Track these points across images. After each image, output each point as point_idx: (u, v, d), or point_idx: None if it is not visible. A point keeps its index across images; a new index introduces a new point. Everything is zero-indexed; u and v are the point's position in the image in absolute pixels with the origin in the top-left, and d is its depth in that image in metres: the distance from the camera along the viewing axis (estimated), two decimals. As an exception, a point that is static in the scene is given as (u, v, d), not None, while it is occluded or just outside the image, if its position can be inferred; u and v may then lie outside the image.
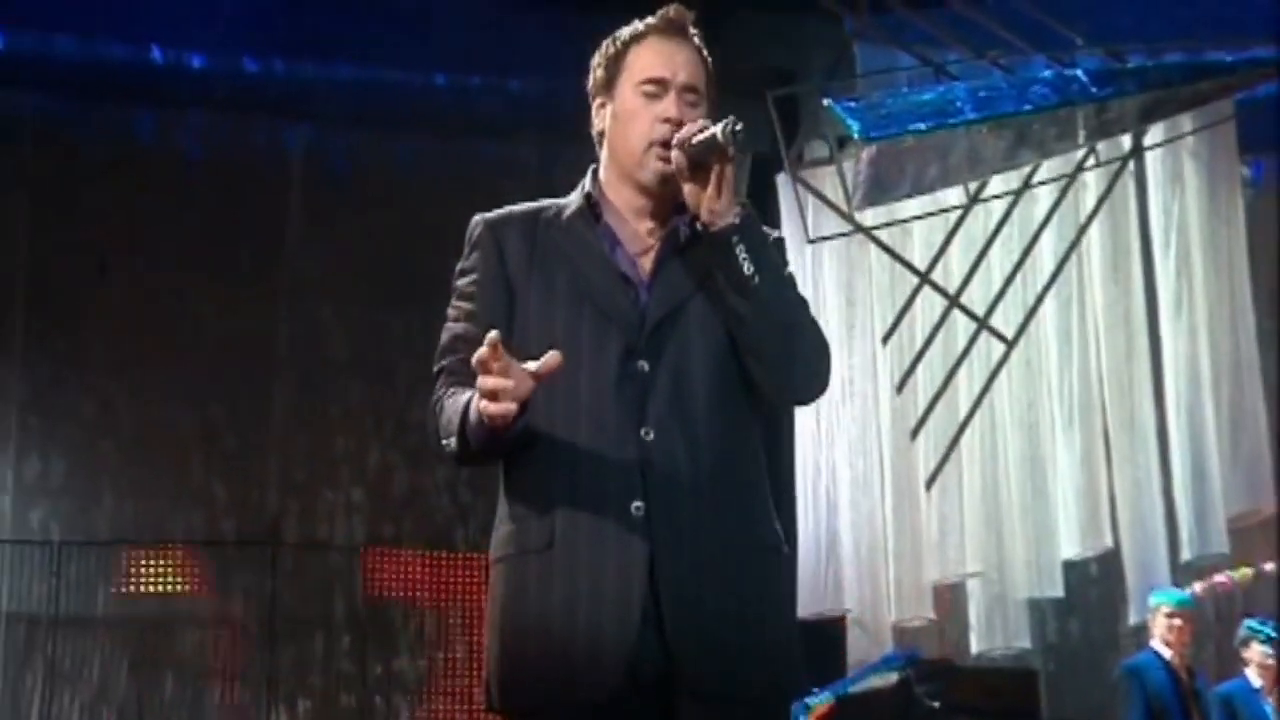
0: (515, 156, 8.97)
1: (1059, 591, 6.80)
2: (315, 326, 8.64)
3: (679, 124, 2.38)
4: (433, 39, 8.62)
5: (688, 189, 2.36)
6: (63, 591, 7.98)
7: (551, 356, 2.20)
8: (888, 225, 6.52)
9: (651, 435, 2.30)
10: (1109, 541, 6.68)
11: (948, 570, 6.62)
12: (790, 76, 7.47)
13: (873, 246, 6.51)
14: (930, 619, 6.76)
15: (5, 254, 8.27)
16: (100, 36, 8.65)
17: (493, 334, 2.18)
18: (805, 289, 7.19)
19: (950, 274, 6.59)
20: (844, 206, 6.33)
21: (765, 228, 2.47)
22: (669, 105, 2.41)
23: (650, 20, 2.48)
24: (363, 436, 8.61)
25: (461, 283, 2.45)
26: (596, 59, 2.50)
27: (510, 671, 2.33)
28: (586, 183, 2.48)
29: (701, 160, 2.33)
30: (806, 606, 6.37)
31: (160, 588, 8.17)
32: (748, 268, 2.31)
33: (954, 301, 6.45)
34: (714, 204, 2.33)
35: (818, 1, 6.82)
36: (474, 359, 2.18)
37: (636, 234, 2.44)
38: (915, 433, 6.50)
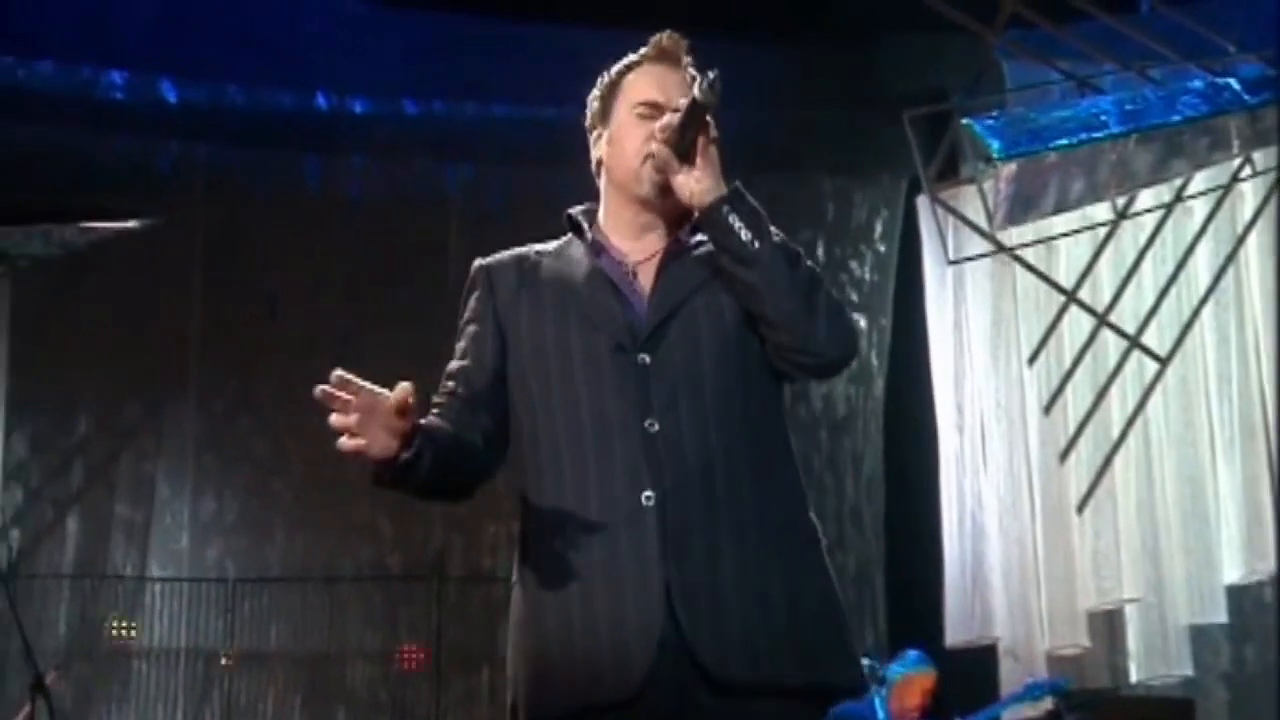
0: (672, 187, 9.28)
1: (1222, 617, 6.78)
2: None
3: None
4: (586, 75, 8.95)
5: (677, 181, 2.42)
6: (238, 627, 8.50)
7: (401, 387, 2.24)
8: (1032, 244, 6.63)
9: (656, 426, 2.34)
10: (1274, 565, 6.66)
11: (1103, 596, 6.65)
12: (934, 96, 7.64)
13: (1017, 266, 6.62)
14: (1086, 647, 6.79)
15: (181, 298, 8.81)
16: (267, 86, 9.19)
17: (334, 374, 2.24)
18: (947, 311, 7.31)
19: (1099, 292, 6.66)
20: (986, 226, 6.46)
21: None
22: (662, 123, 2.48)
23: (644, 50, 2.61)
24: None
25: (460, 322, 2.60)
26: (593, 93, 2.65)
27: (535, 685, 2.36)
28: (574, 210, 2.61)
29: (684, 140, 2.39)
30: (955, 634, 6.48)
31: (333, 623, 8.61)
32: (745, 234, 2.37)
33: (1103, 320, 6.52)
34: (701, 182, 2.40)
35: (958, 22, 6.95)
36: (315, 393, 2.24)
37: (633, 249, 2.51)
38: (1065, 455, 6.58)
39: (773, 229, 2.43)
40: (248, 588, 8.59)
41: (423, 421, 2.39)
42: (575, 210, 2.62)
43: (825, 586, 2.48)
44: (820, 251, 9.49)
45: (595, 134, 2.63)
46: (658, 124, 2.45)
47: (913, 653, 6.27)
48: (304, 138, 9.27)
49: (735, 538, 2.34)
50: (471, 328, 2.57)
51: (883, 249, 9.30)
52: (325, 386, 2.23)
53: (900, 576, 8.67)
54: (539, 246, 2.61)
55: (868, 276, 9.40)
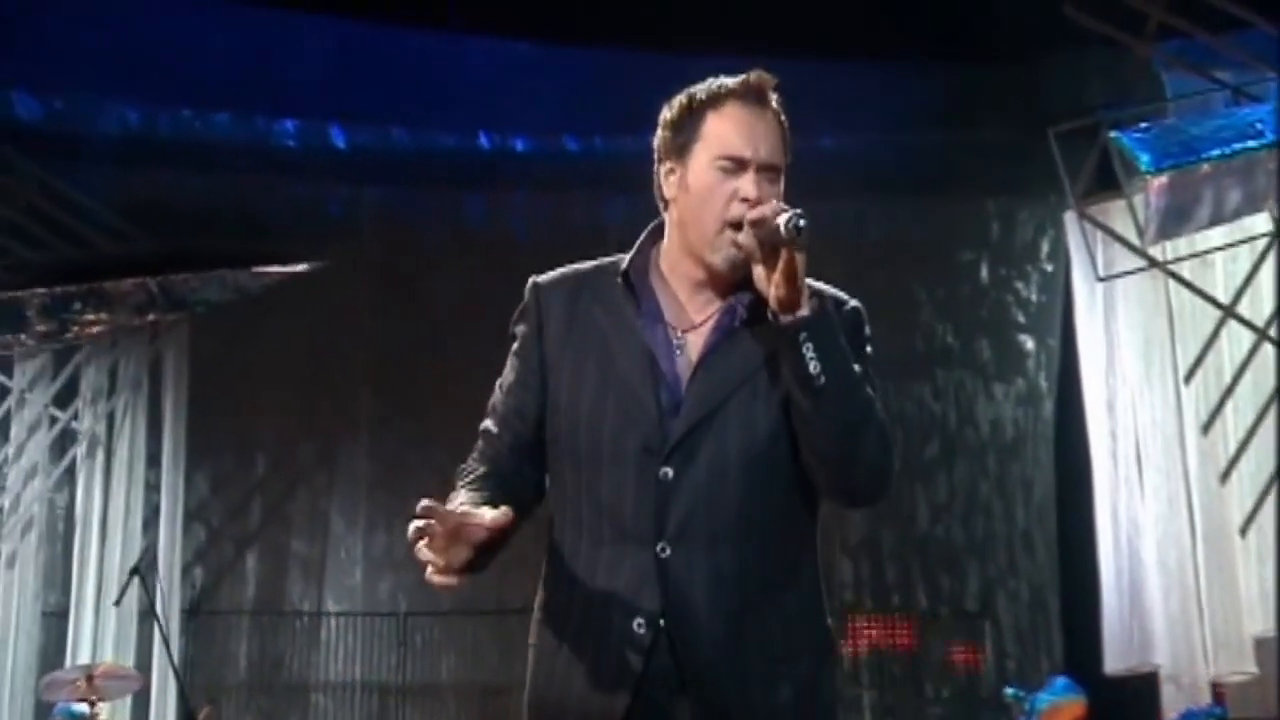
0: (827, 215, 9.42)
1: (1398, 643, 6.64)
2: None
3: (756, 204, 2.31)
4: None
5: (757, 272, 2.30)
6: (410, 660, 8.81)
7: (504, 512, 2.19)
8: (1187, 258, 6.61)
9: (667, 552, 2.29)
10: None
11: (1270, 621, 6.54)
12: (1083, 111, 7.65)
13: (1170, 281, 6.60)
14: (1253, 674, 6.69)
15: (351, 337, 9.19)
16: (431, 128, 9.55)
17: (422, 504, 2.18)
18: (1098, 329, 7.28)
19: (1258, 306, 6.60)
20: (1136, 241, 6.48)
21: (820, 287, 2.39)
22: (747, 184, 2.34)
23: (730, 84, 2.41)
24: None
25: (513, 346, 2.50)
26: (669, 115, 2.44)
27: None
28: (633, 251, 2.45)
29: (773, 244, 2.26)
30: (1114, 661, 6.44)
31: (502, 655, 8.83)
32: (814, 367, 2.25)
33: (1263, 335, 6.49)
34: (781, 292, 2.26)
35: (1105, 34, 6.98)
36: (410, 531, 2.17)
37: (690, 305, 2.40)
38: (1225, 476, 6.54)
39: (846, 352, 2.31)
40: (420, 621, 8.89)
41: (477, 492, 2.37)
42: (633, 259, 2.45)
43: (832, 699, 2.42)
44: (984, 273, 9.54)
45: (666, 167, 2.43)
46: (751, 215, 2.29)
47: (1061, 680, 6.28)
48: (467, 177, 9.61)
49: (739, 679, 2.29)
50: (519, 366, 2.47)
51: (1049, 268, 9.31)
52: (416, 525, 2.18)
53: (1070, 602, 8.65)
54: (594, 274, 2.48)
55: (1034, 297, 9.42)
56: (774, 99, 2.42)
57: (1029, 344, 9.40)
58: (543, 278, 2.51)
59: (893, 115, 9.02)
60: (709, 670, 2.27)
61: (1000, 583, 9.14)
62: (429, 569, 2.20)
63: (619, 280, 2.43)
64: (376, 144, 9.46)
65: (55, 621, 8.22)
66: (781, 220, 2.24)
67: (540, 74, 9.14)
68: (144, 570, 7.08)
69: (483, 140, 9.67)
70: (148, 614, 7.94)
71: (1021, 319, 9.41)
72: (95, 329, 8.34)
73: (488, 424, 2.47)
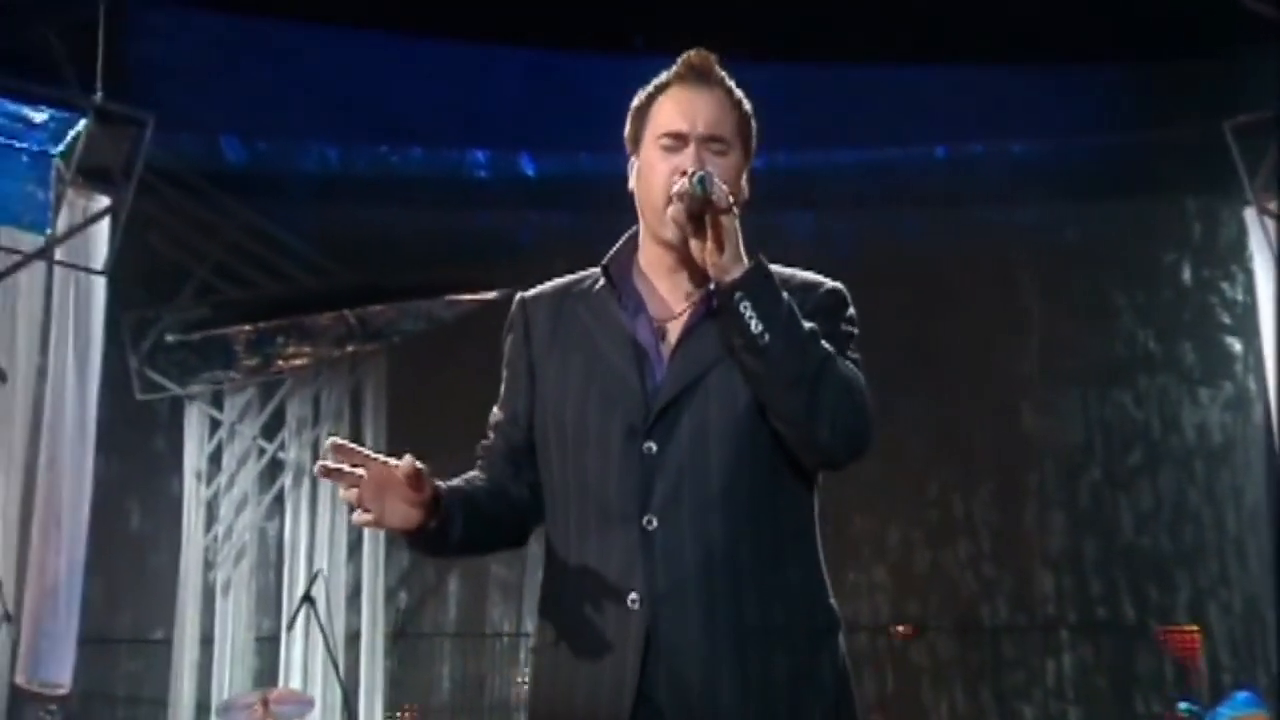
0: (1021, 221, 9.19)
1: None
2: (829, 409, 9.12)
3: None
4: (930, 113, 8.99)
5: (693, 244, 2.33)
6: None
7: (406, 460, 2.21)
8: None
9: (654, 524, 2.28)
10: None
11: None
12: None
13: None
14: None
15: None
16: (618, 152, 9.55)
17: (329, 442, 2.22)
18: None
19: None
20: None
21: (795, 271, 2.45)
22: (686, 158, 2.40)
23: (674, 68, 2.50)
24: (880, 515, 8.99)
25: (503, 362, 2.54)
26: (631, 111, 2.53)
27: None
28: (614, 249, 2.51)
29: (697, 212, 2.30)
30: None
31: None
32: (756, 326, 2.27)
33: None
34: (714, 258, 2.30)
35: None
36: (317, 470, 2.23)
37: (670, 296, 2.43)
38: None
39: (792, 308, 2.32)
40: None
41: (458, 482, 2.41)
42: (613, 258, 2.51)
43: (837, 683, 2.38)
44: (1186, 275, 9.24)
45: (630, 161, 2.54)
46: (674, 188, 2.35)
47: (1243, 694, 6.01)
48: (652, 199, 9.57)
49: (735, 648, 2.27)
50: (508, 375, 2.53)
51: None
52: (324, 461, 2.22)
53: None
54: (579, 281, 2.53)
55: (1240, 297, 9.08)
56: (719, 75, 2.49)
57: (1236, 346, 9.05)
58: (527, 293, 2.55)
59: (1083, 117, 8.82)
60: (700, 644, 2.25)
61: (1212, 594, 8.82)
62: (356, 511, 2.22)
63: (601, 276, 2.48)
64: (565, 170, 9.55)
65: (269, 646, 8.40)
66: (683, 181, 2.29)
67: (723, 93, 9.08)
68: (314, 595, 7.17)
69: (669, 162, 9.65)
70: (354, 638, 8.08)
71: (1227, 320, 9.07)
72: (298, 362, 8.55)
73: (481, 445, 2.51)
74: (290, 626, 7.56)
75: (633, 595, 2.27)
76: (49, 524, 6.25)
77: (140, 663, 8.68)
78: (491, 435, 2.51)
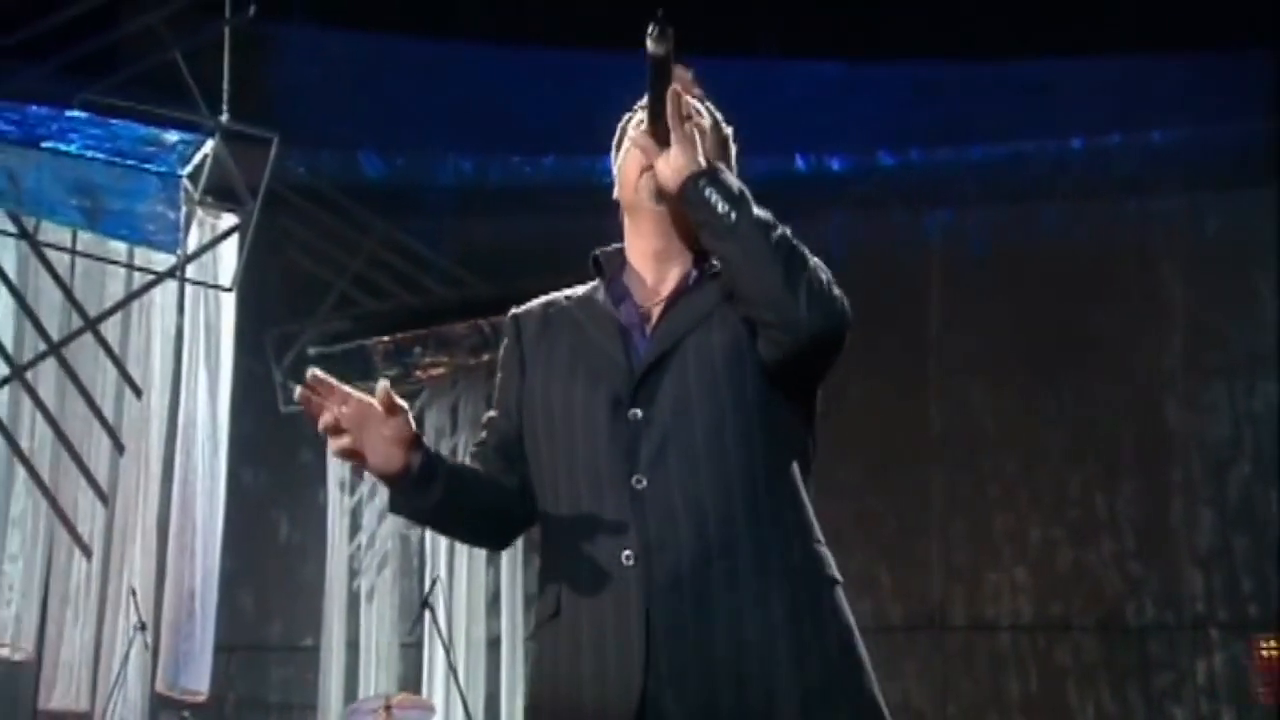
0: (1160, 210, 8.96)
1: None
2: (966, 407, 9.02)
3: None
4: (1064, 104, 8.82)
5: (658, 169, 2.38)
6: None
7: (380, 385, 2.26)
8: None
9: (643, 482, 2.31)
10: None
11: None
12: None
13: None
14: None
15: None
16: (747, 154, 9.51)
17: (309, 373, 2.26)
18: None
19: None
20: None
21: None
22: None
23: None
24: (1021, 514, 8.84)
25: (498, 369, 2.60)
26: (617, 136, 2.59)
27: None
28: (602, 252, 2.57)
29: (658, 121, 2.36)
30: None
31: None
32: (721, 206, 2.31)
33: None
34: (676, 160, 2.36)
35: None
36: (295, 396, 2.37)
37: (654, 285, 2.48)
38: None
39: (756, 206, 2.36)
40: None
41: (452, 462, 2.45)
42: (603, 251, 2.58)
43: (839, 629, 2.38)
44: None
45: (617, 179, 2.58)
46: (633, 121, 2.44)
47: None
48: (784, 202, 9.49)
49: (730, 590, 2.29)
50: (500, 376, 2.57)
51: None
52: (301, 389, 2.27)
53: None
54: (570, 291, 2.58)
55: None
56: (698, 95, 2.58)
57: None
58: (519, 309, 2.59)
59: (1223, 103, 8.58)
60: (695, 593, 2.26)
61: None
62: (331, 439, 2.26)
63: (590, 265, 2.54)
64: (693, 174, 9.48)
65: (413, 652, 8.49)
66: (647, 40, 2.34)
67: (853, 92, 9.07)
68: (432, 602, 7.21)
69: (799, 163, 9.60)
70: (495, 643, 8.12)
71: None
72: (435, 371, 8.63)
73: (474, 445, 2.57)
74: (411, 632, 7.63)
75: (627, 553, 2.29)
76: (185, 535, 6.40)
77: (290, 669, 8.84)
78: (484, 433, 2.55)
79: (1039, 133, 9.17)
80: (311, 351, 8.41)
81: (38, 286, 6.23)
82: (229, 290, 6.38)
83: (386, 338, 8.53)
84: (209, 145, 5.65)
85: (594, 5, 8.59)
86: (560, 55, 8.83)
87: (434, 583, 7.80)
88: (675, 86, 2.41)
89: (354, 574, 8.47)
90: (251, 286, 8.75)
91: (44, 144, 5.60)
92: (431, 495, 2.36)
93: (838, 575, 2.43)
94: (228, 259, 6.24)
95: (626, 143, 2.52)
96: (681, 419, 2.34)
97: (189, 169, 5.54)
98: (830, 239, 9.66)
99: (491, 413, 2.56)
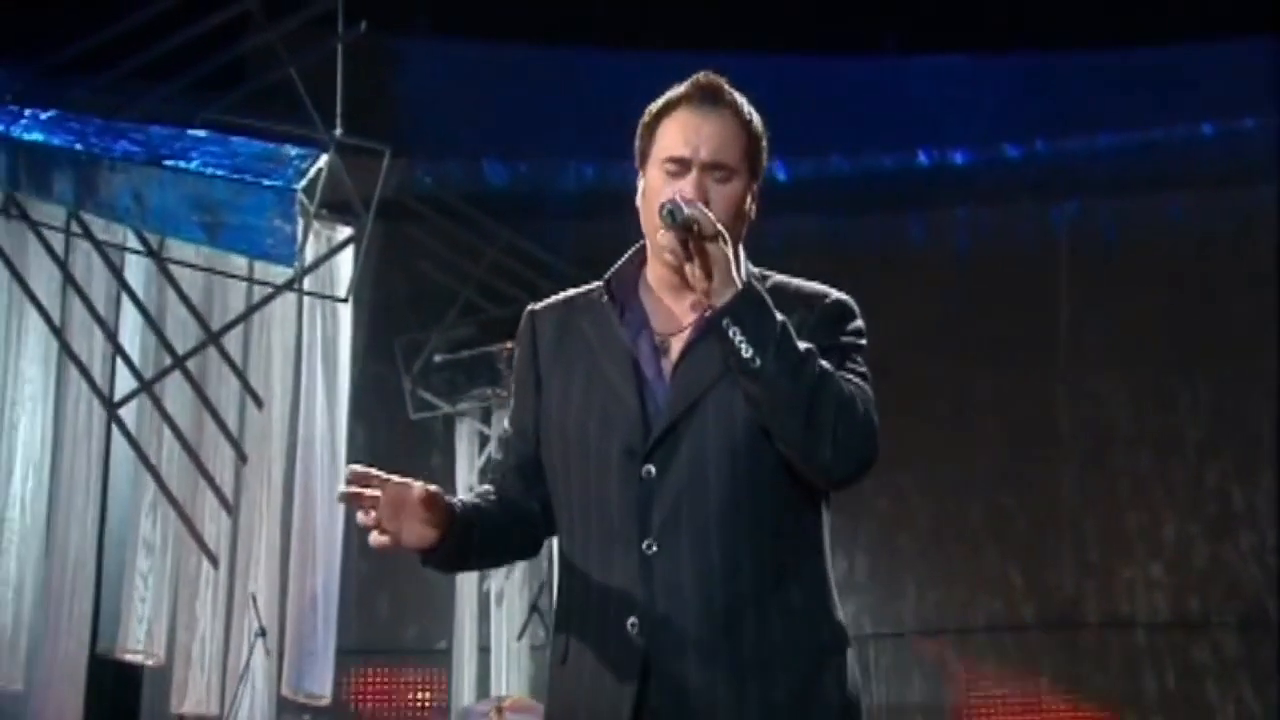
0: (1260, 198, 8.68)
1: None
2: (1097, 401, 8.81)
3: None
4: (1197, 89, 8.61)
5: (686, 269, 2.28)
6: (875, 683, 8.64)
7: (421, 486, 2.23)
8: None
9: (654, 548, 2.26)
10: None
11: None
12: None
13: None
14: None
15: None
16: (870, 151, 9.44)
17: (350, 469, 2.26)
18: None
19: None
20: None
21: (801, 284, 2.41)
22: (686, 185, 2.34)
23: (681, 89, 2.43)
24: (1156, 509, 8.61)
25: (513, 377, 2.55)
26: (639, 127, 2.46)
27: None
28: (621, 261, 2.47)
29: (683, 240, 2.26)
30: None
31: (969, 675, 8.61)
32: (746, 350, 2.23)
33: None
34: (703, 284, 2.26)
35: None
36: (338, 498, 2.32)
37: (675, 310, 2.38)
38: None
39: (784, 328, 2.26)
40: (885, 643, 8.73)
41: (469, 499, 2.41)
42: (616, 273, 2.46)
43: (842, 705, 2.33)
44: None
45: (638, 176, 2.46)
46: (659, 214, 2.29)
47: None
48: (907, 196, 9.44)
49: (733, 669, 2.24)
50: (516, 390, 2.52)
51: None
52: (345, 489, 2.25)
53: None
54: (592, 292, 2.48)
55: None
56: (730, 97, 2.43)
57: None
58: (537, 305, 2.53)
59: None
60: (698, 668, 2.23)
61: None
62: (372, 533, 2.24)
63: (604, 290, 2.44)
64: (816, 174, 9.42)
65: (542, 655, 8.52)
66: (659, 210, 2.25)
67: (976, 84, 8.93)
68: (540, 606, 7.20)
69: (921, 158, 9.47)
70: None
71: None
72: (556, 376, 8.62)
73: (494, 462, 2.56)
74: (519, 636, 7.64)
75: (632, 620, 2.26)
76: (306, 542, 6.48)
77: (426, 672, 8.92)
78: (501, 449, 2.53)
79: (1168, 119, 8.94)
80: (438, 358, 8.47)
81: (163, 302, 6.38)
82: (344, 301, 6.45)
83: (510, 343, 8.56)
84: (323, 159, 5.70)
85: (712, 7, 8.57)
86: (679, 58, 8.79)
87: (541, 587, 7.83)
88: (694, 215, 2.28)
89: (484, 577, 8.51)
90: (380, 295, 8.86)
91: (166, 162, 5.70)
92: (466, 558, 2.39)
93: (848, 642, 2.38)
94: (346, 271, 6.31)
95: (657, 184, 2.38)
96: (697, 482, 2.28)
97: (304, 183, 5.59)
98: (954, 234, 9.50)
99: (509, 430, 2.50)
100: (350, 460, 7.09)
